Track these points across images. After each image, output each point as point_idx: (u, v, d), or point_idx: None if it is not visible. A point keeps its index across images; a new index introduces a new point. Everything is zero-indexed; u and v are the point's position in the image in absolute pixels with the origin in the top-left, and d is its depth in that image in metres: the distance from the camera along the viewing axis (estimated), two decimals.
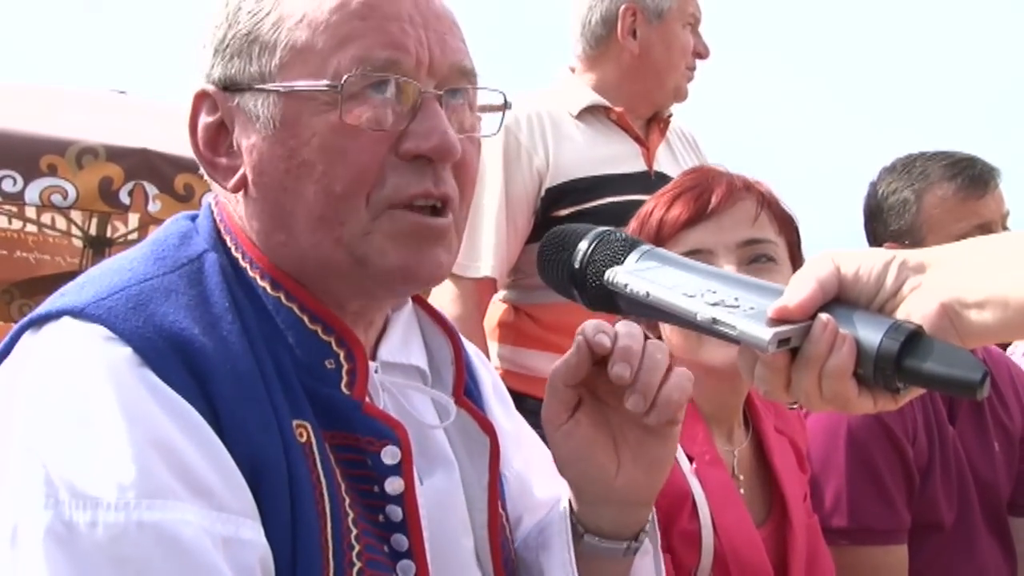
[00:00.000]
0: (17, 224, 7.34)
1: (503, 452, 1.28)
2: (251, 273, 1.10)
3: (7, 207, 6.47)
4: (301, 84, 1.06)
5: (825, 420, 2.11)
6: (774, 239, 1.71)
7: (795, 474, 1.84)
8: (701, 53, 2.91)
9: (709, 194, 1.70)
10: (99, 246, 6.55)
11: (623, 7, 2.85)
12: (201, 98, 1.13)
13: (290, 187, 1.08)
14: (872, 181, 2.47)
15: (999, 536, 2.23)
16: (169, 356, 0.98)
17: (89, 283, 1.05)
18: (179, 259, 1.08)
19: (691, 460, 1.67)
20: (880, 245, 2.37)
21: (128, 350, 0.97)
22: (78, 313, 1.00)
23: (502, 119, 1.21)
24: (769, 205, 1.73)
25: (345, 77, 1.05)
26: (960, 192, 2.31)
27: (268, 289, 1.09)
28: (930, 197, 2.32)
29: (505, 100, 1.20)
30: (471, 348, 1.35)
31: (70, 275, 1.17)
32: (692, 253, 1.66)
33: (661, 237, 1.70)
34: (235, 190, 1.12)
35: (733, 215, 1.70)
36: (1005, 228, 2.33)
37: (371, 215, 1.08)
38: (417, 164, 1.09)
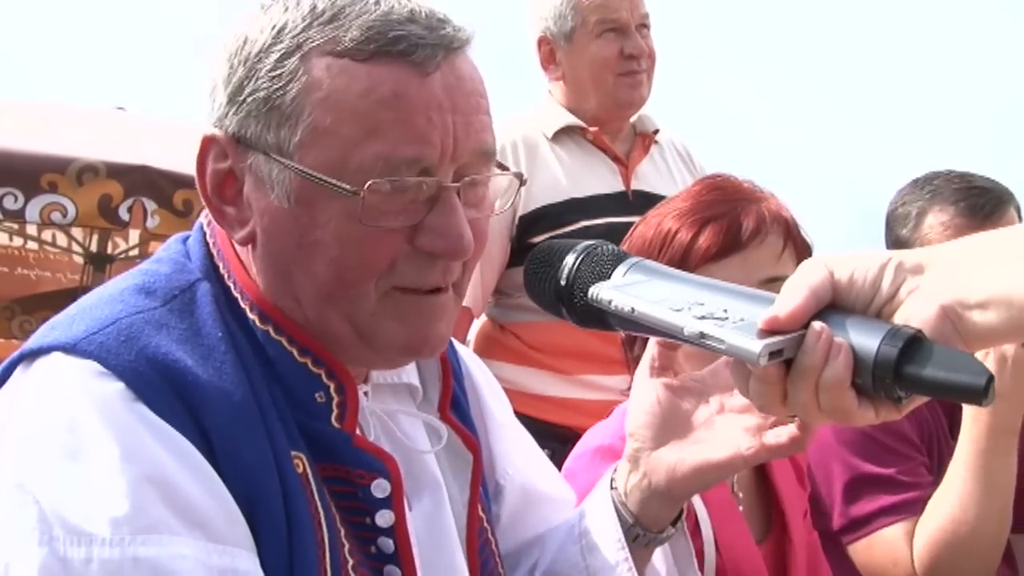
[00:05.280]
0: (18, 241, 7.34)
1: (504, 446, 1.30)
2: (242, 304, 1.09)
3: (8, 224, 6.47)
4: (320, 176, 1.02)
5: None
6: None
7: (795, 491, 1.83)
8: (633, 54, 2.82)
9: (738, 226, 1.64)
10: (100, 263, 6.54)
11: (537, 38, 2.90)
12: (211, 142, 1.08)
13: (300, 260, 1.06)
14: (899, 189, 2.49)
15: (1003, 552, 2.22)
16: (162, 389, 0.97)
17: (80, 316, 1.04)
18: (170, 290, 1.07)
19: None
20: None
21: (120, 385, 0.97)
22: (69, 349, 1.00)
23: (516, 196, 1.21)
24: (793, 238, 1.70)
25: (368, 184, 1.01)
26: (957, 218, 2.31)
27: (257, 321, 1.09)
28: (930, 217, 2.35)
29: (521, 180, 1.19)
30: (463, 350, 1.35)
31: (71, 292, 1.17)
32: None
33: (687, 266, 1.62)
34: (244, 243, 1.10)
35: (762, 251, 1.65)
36: None
37: (377, 295, 1.07)
38: (430, 256, 1.07)
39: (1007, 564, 2.23)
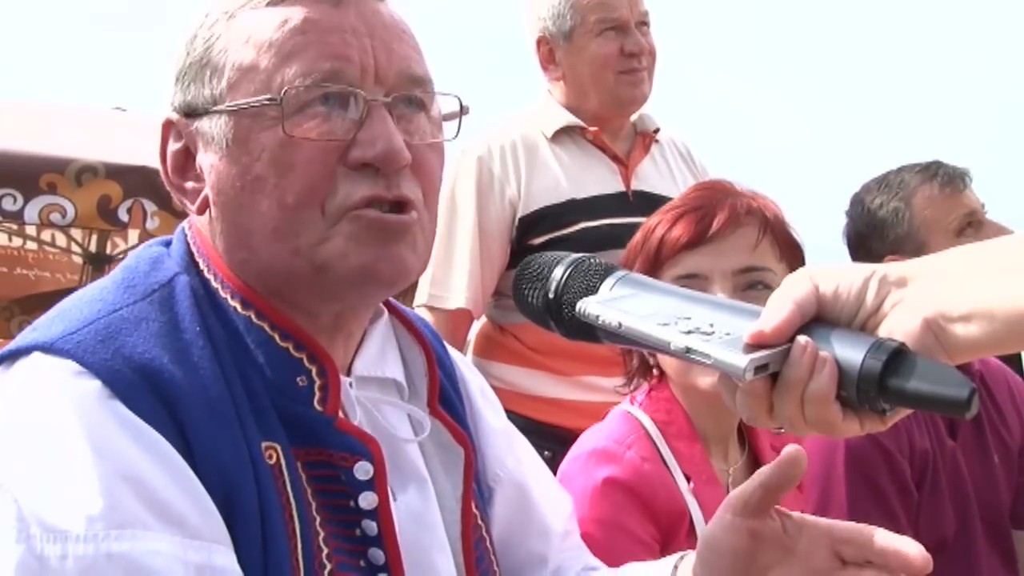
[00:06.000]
0: (17, 241, 7.36)
1: (495, 451, 1.30)
2: (223, 294, 1.11)
3: (7, 225, 6.48)
4: (245, 101, 1.08)
5: (823, 439, 2.11)
6: (774, 266, 1.70)
7: (792, 494, 1.82)
8: (633, 52, 2.82)
9: (711, 218, 1.69)
10: (99, 263, 6.55)
11: (536, 39, 2.89)
12: (168, 127, 1.16)
13: (246, 203, 1.09)
14: (847, 210, 2.53)
15: (1000, 550, 2.23)
16: (138, 387, 0.99)
17: (59, 317, 1.06)
18: (149, 285, 1.09)
19: (688, 479, 1.68)
20: (880, 260, 2.38)
21: (97, 383, 0.98)
22: (48, 348, 1.01)
23: (459, 124, 1.21)
24: (773, 231, 1.71)
25: (284, 90, 1.07)
26: (944, 188, 2.40)
27: (239, 308, 1.10)
28: (918, 200, 2.40)
29: (461, 105, 1.20)
30: (456, 355, 1.36)
31: (70, 292, 1.17)
32: (688, 277, 1.66)
33: (661, 258, 1.70)
34: (200, 212, 1.14)
35: (733, 241, 1.68)
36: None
37: (328, 223, 1.08)
38: (367, 172, 1.09)
39: (1006, 561, 2.24)
